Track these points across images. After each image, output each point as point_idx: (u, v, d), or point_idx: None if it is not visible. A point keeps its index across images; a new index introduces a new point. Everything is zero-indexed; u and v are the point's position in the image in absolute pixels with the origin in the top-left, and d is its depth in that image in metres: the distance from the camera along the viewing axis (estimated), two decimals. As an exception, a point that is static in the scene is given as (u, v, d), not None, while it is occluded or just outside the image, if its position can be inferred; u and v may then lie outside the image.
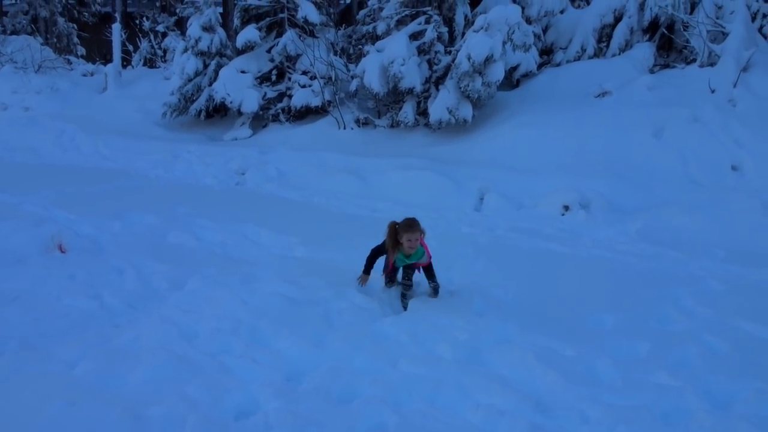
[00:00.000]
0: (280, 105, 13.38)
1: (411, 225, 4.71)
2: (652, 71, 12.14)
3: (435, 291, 5.00)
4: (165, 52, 19.93)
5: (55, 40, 22.20)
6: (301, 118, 13.50)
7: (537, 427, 3.01)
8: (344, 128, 12.54)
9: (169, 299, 4.91)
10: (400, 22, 12.34)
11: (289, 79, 13.42)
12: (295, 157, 11.25)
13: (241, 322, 4.12)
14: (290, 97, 13.27)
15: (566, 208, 8.63)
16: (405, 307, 4.94)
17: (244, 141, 13.04)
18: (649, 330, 4.57)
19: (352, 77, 12.52)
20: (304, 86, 12.94)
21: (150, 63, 20.03)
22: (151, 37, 19.97)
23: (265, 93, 13.27)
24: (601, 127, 10.37)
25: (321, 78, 12.70)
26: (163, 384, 3.12)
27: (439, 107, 11.28)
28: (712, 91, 10.73)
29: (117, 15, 18.62)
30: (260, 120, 13.62)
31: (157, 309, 4.60)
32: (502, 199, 9.19)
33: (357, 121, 12.58)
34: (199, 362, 3.41)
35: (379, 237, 7.30)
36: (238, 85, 13.03)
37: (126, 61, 19.05)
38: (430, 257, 4.94)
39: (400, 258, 4.85)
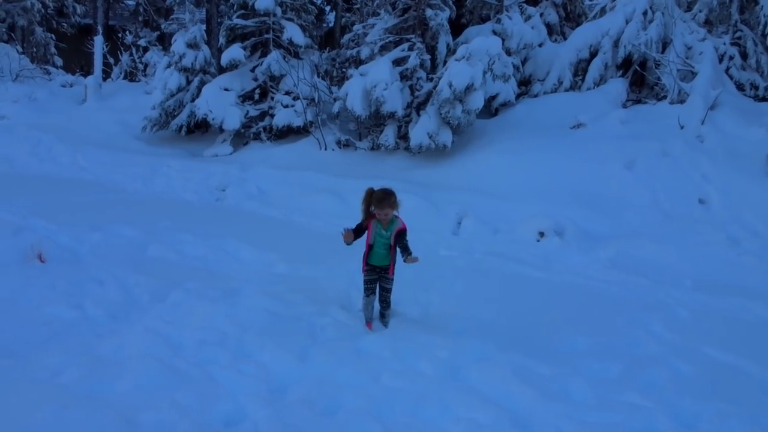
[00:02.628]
0: (261, 124, 13.48)
1: (381, 200, 4.68)
2: (624, 106, 12.60)
3: (407, 255, 4.76)
4: (146, 66, 19.94)
5: (34, 49, 22.01)
6: (282, 137, 13.62)
7: (518, 443, 3.13)
8: (325, 149, 12.68)
9: (152, 311, 4.93)
10: (384, 48, 12.62)
11: (272, 98, 13.56)
12: (275, 175, 11.34)
13: (227, 334, 4.18)
14: (272, 116, 13.39)
15: (541, 234, 8.86)
16: (368, 318, 4.91)
17: (224, 158, 13.08)
18: (620, 353, 4.75)
19: (335, 99, 12.71)
20: (286, 106, 13.09)
21: (130, 77, 20.00)
22: (133, 50, 19.97)
23: (248, 111, 13.37)
24: (575, 158, 10.70)
25: (304, 99, 12.87)
26: (151, 391, 3.16)
27: (419, 132, 11.51)
28: (682, 127, 11.19)
29: (99, 27, 18.58)
30: (241, 138, 13.70)
31: (139, 320, 4.61)
32: (479, 224, 9.39)
33: (338, 142, 12.74)
34: (186, 371, 3.46)
35: (359, 255, 7.47)
36: (220, 102, 13.11)
37: (105, 74, 18.99)
38: (405, 226, 4.88)
39: (378, 229, 4.80)
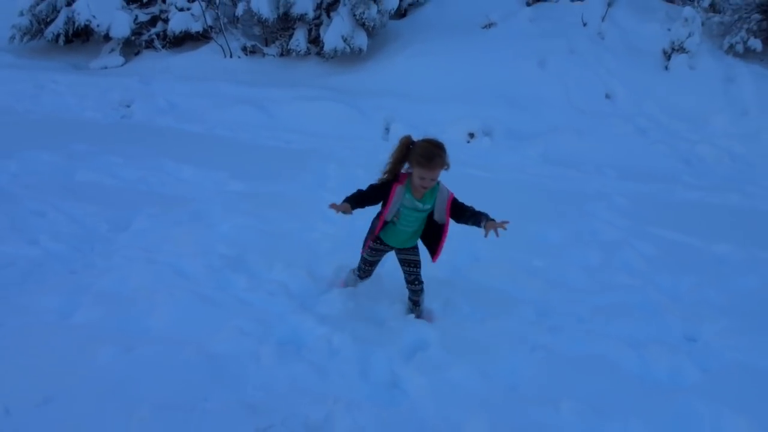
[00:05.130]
0: (154, 30, 12.25)
1: (431, 158, 3.08)
2: (528, 4, 12.80)
3: (486, 220, 3.26)
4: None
5: None
6: (179, 44, 12.51)
7: (553, 329, 3.36)
8: (230, 56, 11.86)
9: (118, 240, 4.57)
10: (287, -58, 11.70)
11: (164, 1, 12.28)
12: (183, 87, 10.52)
13: (228, 257, 3.98)
14: (165, 21, 12.19)
15: (471, 135, 9.09)
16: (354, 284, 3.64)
17: (116, 70, 11.84)
18: (589, 241, 5.14)
19: (236, 1, 11.75)
20: (181, 9, 11.93)
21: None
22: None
23: (137, 16, 12.05)
24: (491, 57, 10.86)
25: (202, 1, 11.78)
26: (199, 322, 2.98)
27: (333, 35, 11.06)
28: (584, 25, 11.65)
29: None
30: (132, 46, 12.40)
31: (115, 251, 4.27)
32: (408, 128, 9.27)
33: (244, 48, 11.95)
34: (217, 299, 3.27)
35: (307, 167, 7.27)
36: (103, 5, 11.67)
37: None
38: (452, 196, 3.37)
39: (409, 201, 3.25)
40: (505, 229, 3.21)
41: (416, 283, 3.47)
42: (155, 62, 11.96)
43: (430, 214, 3.34)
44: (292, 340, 2.92)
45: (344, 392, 2.51)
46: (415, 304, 3.53)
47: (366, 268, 3.57)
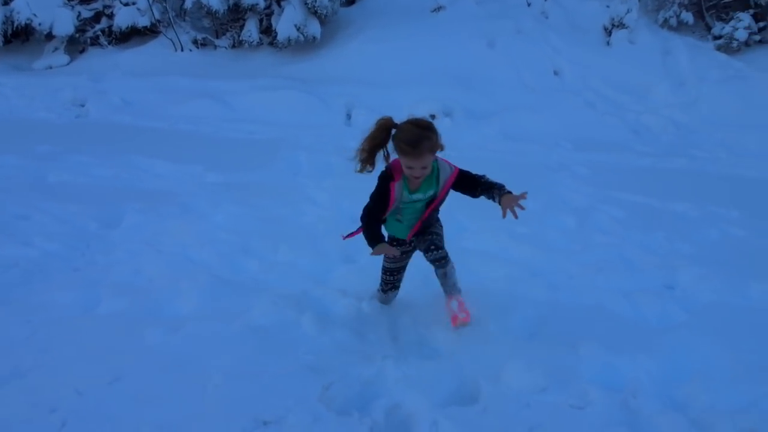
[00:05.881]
0: (99, 26, 11.93)
1: (416, 143, 2.60)
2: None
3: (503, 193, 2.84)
4: None
5: None
6: (126, 40, 12.24)
7: (553, 287, 3.67)
8: (181, 50, 11.71)
9: (113, 236, 4.60)
10: (230, -67, 11.60)
11: (106, -4, 11.97)
12: (136, 83, 10.38)
13: (232, 244, 4.10)
14: (110, 16, 11.90)
15: (432, 116, 9.34)
16: (386, 301, 3.26)
17: (62, 69, 11.51)
18: (563, 208, 5.49)
19: (183, -7, 11.60)
20: (127, 4, 11.66)
21: None
22: None
23: (80, 13, 11.71)
24: (443, 41, 11.15)
25: (148, -6, 11.56)
26: (229, 301, 3.11)
27: (286, 24, 11.09)
28: (529, 5, 12.09)
29: None
30: (76, 44, 12.05)
31: (114, 246, 4.32)
32: (369, 113, 9.56)
33: (195, 41, 11.82)
34: (238, 281, 3.42)
35: (278, 156, 7.40)
36: (44, 3, 11.29)
37: None
38: (457, 170, 2.90)
39: (405, 196, 2.82)
40: (522, 207, 2.75)
41: (440, 259, 3.05)
42: (103, 59, 11.68)
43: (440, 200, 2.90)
44: (323, 311, 3.10)
45: (386, 351, 2.73)
46: (445, 278, 3.11)
47: (389, 278, 3.12)
